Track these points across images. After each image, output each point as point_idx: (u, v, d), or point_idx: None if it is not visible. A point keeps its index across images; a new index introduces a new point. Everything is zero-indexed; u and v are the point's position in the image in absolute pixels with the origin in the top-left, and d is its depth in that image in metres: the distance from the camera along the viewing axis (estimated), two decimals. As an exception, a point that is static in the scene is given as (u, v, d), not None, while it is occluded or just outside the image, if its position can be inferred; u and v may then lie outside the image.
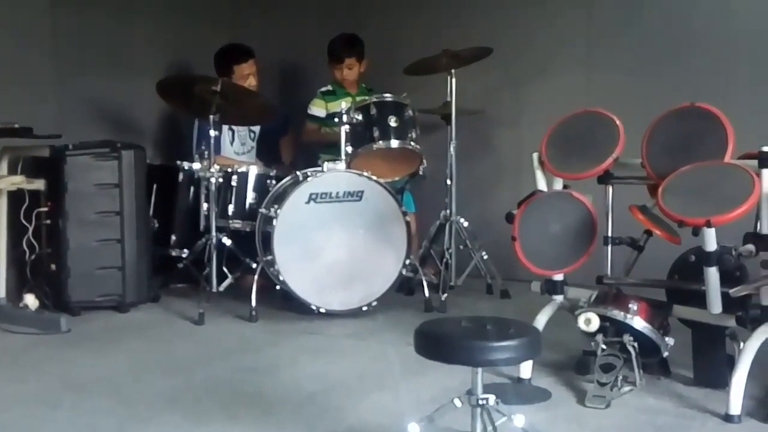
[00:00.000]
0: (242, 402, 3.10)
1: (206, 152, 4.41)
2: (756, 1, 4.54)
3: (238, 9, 6.14)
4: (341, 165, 4.30)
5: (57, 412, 3.01)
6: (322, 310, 4.22)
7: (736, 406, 2.81)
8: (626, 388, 3.05)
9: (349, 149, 4.37)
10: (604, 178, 3.32)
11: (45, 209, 4.36)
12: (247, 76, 5.11)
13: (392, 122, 4.43)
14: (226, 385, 3.30)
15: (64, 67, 4.99)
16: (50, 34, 4.96)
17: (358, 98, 4.89)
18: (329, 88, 5.23)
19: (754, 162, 2.89)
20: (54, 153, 4.34)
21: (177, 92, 4.54)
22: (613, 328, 3.09)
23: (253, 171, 4.62)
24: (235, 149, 5.18)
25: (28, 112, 4.34)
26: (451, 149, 4.71)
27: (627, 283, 3.36)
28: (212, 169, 4.37)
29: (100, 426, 2.89)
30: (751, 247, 2.92)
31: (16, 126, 4.04)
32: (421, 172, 4.60)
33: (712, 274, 2.88)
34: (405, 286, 4.68)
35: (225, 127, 5.04)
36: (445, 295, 4.47)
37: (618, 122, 3.30)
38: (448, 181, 4.71)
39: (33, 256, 4.39)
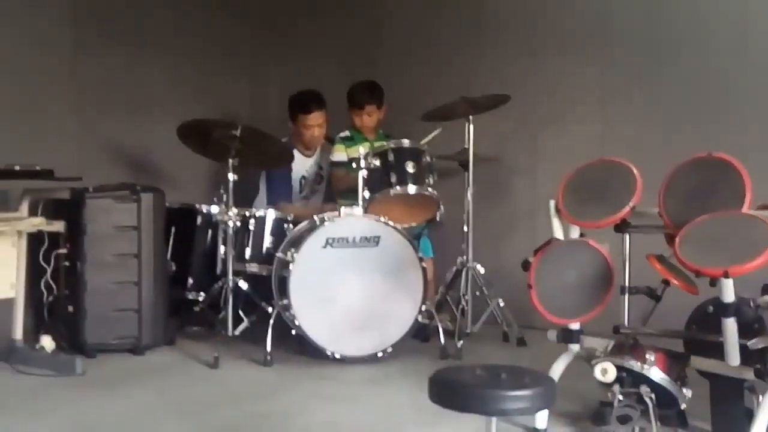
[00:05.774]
0: (255, 448, 3.08)
1: (281, 203, 4.61)
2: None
3: (257, 55, 6.21)
4: (358, 210, 4.32)
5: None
6: (337, 356, 4.21)
7: (754, 460, 2.77)
8: (643, 440, 3.01)
9: (367, 194, 4.39)
10: (621, 227, 3.30)
11: (64, 251, 4.38)
12: (310, 126, 5.15)
13: (410, 168, 4.44)
14: (239, 431, 3.28)
15: (85, 110, 5.06)
16: (72, 79, 5.04)
17: (376, 144, 4.91)
18: (347, 134, 5.26)
19: (773, 213, 2.88)
20: (74, 195, 4.38)
21: (197, 136, 4.57)
22: (630, 379, 3.05)
23: (271, 215, 4.64)
24: (304, 194, 5.30)
25: (50, 154, 4.40)
26: (468, 195, 4.72)
27: (644, 333, 3.33)
28: (230, 213, 4.39)
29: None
30: (769, 298, 2.90)
31: (38, 168, 4.09)
32: (438, 218, 4.60)
33: (730, 325, 2.85)
34: (420, 333, 4.65)
35: (294, 176, 5.17)
36: (461, 342, 4.44)
37: (635, 171, 3.30)
38: (465, 228, 4.71)
39: (51, 298, 4.41)
